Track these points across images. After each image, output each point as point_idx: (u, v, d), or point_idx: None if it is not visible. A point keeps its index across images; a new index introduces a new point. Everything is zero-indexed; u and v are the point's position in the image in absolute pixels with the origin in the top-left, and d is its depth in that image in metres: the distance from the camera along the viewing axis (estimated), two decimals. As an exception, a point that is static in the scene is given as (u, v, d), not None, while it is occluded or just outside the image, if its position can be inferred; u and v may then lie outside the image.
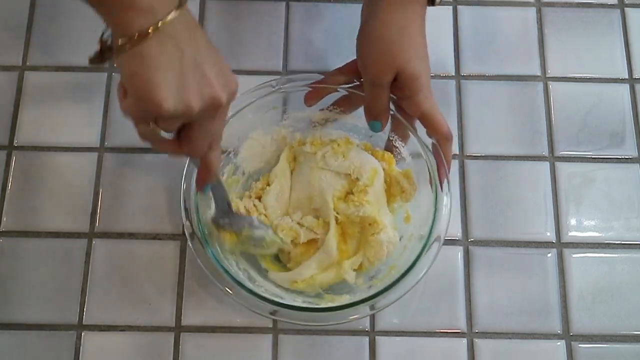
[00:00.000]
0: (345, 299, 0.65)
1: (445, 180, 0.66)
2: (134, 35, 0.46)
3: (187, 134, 0.52)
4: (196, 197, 0.65)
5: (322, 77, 0.69)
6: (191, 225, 0.64)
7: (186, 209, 0.65)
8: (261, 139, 0.72)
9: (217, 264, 0.62)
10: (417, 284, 0.63)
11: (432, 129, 0.65)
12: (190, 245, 0.64)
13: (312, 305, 0.65)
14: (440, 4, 0.63)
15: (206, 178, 0.59)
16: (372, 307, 0.63)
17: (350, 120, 0.72)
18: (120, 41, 0.46)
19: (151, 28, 0.46)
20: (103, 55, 0.48)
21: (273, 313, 0.63)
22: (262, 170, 0.73)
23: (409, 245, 0.67)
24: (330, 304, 0.64)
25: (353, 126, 0.72)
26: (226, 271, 0.62)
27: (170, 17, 0.46)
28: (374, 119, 0.65)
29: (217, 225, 0.65)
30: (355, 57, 0.65)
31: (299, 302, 0.65)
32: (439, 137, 0.65)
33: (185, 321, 0.70)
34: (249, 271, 0.68)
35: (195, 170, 0.63)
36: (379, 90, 0.63)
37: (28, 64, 0.80)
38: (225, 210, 0.65)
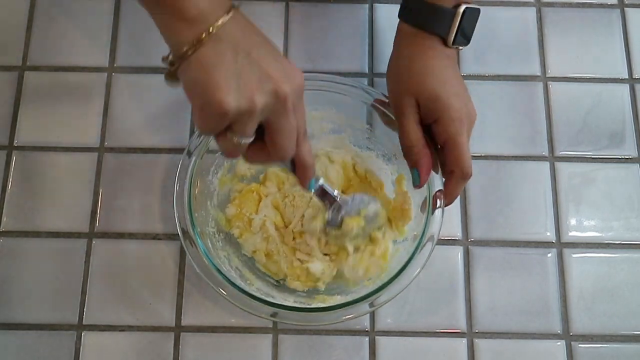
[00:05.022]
0: (336, 300, 0.65)
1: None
2: (189, 44, 0.47)
3: (269, 137, 0.52)
4: (190, 196, 0.65)
5: (323, 75, 0.69)
6: (180, 222, 0.65)
7: (179, 209, 0.65)
8: None
9: (208, 262, 0.63)
10: (410, 284, 0.63)
11: (453, 157, 0.60)
12: (183, 244, 0.64)
13: (304, 305, 0.65)
14: (454, 44, 0.63)
15: (305, 176, 0.57)
16: (371, 304, 0.63)
17: (346, 121, 0.72)
18: (177, 53, 0.48)
19: (204, 34, 0.47)
20: (172, 72, 0.50)
21: (274, 315, 0.63)
22: (258, 170, 0.73)
23: (402, 246, 0.67)
24: (321, 304, 0.64)
25: (350, 127, 0.73)
26: (217, 269, 0.62)
27: (221, 21, 0.48)
28: (408, 156, 0.62)
29: (337, 223, 0.64)
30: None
31: (290, 301, 0.65)
32: (456, 169, 0.61)
33: (185, 321, 0.70)
34: (241, 270, 0.68)
35: (193, 165, 0.64)
36: (403, 120, 0.62)
37: (28, 64, 0.80)
38: (336, 204, 0.64)
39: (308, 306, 0.65)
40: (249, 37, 0.49)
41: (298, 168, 0.56)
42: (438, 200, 0.64)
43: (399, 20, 0.65)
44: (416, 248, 0.63)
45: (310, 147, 0.56)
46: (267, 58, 0.49)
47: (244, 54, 0.48)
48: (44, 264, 0.72)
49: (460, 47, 0.64)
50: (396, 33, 0.66)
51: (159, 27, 0.49)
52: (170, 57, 0.49)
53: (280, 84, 0.49)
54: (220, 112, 0.48)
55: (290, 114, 0.50)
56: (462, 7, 0.62)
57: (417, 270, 0.63)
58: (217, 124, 0.49)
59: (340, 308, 0.62)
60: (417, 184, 0.62)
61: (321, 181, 0.63)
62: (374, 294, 0.62)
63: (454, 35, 0.62)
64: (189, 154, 0.66)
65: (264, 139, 0.52)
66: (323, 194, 0.63)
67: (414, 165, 0.62)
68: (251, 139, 0.51)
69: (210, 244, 0.66)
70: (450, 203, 0.64)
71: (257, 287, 0.66)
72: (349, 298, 0.63)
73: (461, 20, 0.62)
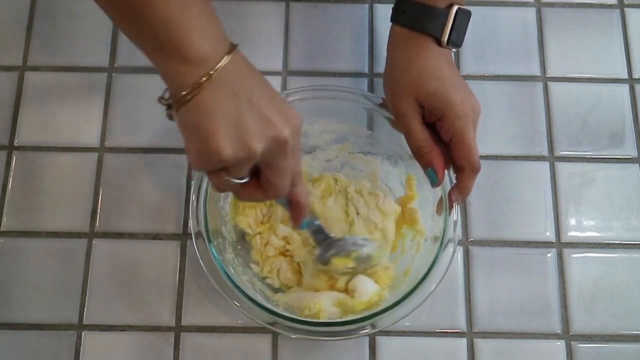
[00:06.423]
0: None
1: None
2: (189, 88, 0.46)
3: (264, 177, 0.52)
4: (205, 207, 0.65)
5: (322, 85, 0.69)
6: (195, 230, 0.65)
7: (197, 223, 0.65)
8: None
9: (239, 293, 0.62)
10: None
11: (461, 153, 0.60)
12: (203, 266, 0.64)
13: (332, 320, 0.64)
14: (448, 44, 0.63)
15: (299, 215, 0.58)
16: (372, 326, 0.63)
17: (349, 129, 0.72)
18: (176, 96, 0.47)
19: (204, 79, 0.46)
20: (170, 112, 0.49)
21: (272, 324, 0.62)
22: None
23: (424, 244, 0.67)
24: (351, 317, 0.63)
25: (353, 135, 0.73)
26: (243, 292, 0.62)
27: (221, 64, 0.47)
28: (419, 157, 0.62)
29: (325, 260, 0.66)
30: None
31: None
32: (465, 165, 0.60)
33: (185, 321, 0.70)
34: (265, 292, 0.68)
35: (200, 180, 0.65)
36: (406, 122, 0.61)
37: (28, 64, 0.80)
38: (328, 242, 0.66)
39: (337, 320, 0.64)
40: (249, 80, 0.49)
41: (293, 207, 0.57)
42: (453, 197, 0.64)
43: (391, 24, 0.65)
44: (439, 249, 0.63)
45: (305, 187, 0.56)
46: (267, 102, 0.48)
47: (245, 99, 0.47)
48: (44, 264, 0.72)
49: (453, 49, 0.64)
50: (389, 38, 0.65)
51: (158, 68, 0.48)
52: (167, 98, 0.48)
53: (281, 130, 0.48)
54: (217, 160, 0.47)
55: (289, 156, 0.50)
56: (455, 8, 0.62)
57: (434, 287, 0.63)
58: (213, 167, 0.49)
59: (369, 319, 0.62)
60: (435, 182, 0.61)
61: (315, 221, 0.65)
62: (404, 299, 0.61)
63: (448, 34, 0.62)
64: (197, 180, 0.66)
65: (259, 178, 0.52)
66: (315, 232, 0.65)
67: (427, 165, 0.61)
68: (245, 180, 0.51)
69: (232, 270, 0.65)
70: (465, 199, 0.64)
71: (284, 307, 0.66)
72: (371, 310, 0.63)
73: (454, 21, 0.62)
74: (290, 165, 0.51)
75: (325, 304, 0.64)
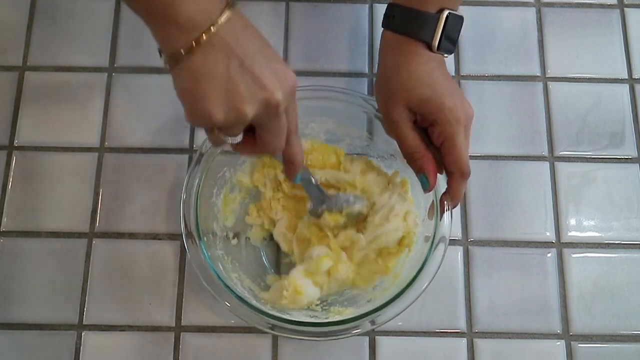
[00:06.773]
0: (350, 312, 0.65)
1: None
2: (179, 51, 0.47)
3: (258, 136, 0.53)
4: (196, 206, 0.65)
5: (321, 86, 0.69)
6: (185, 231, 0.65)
7: (186, 221, 0.65)
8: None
9: (225, 288, 0.62)
10: (413, 287, 0.63)
11: (451, 158, 0.60)
12: (195, 266, 0.64)
13: (319, 320, 0.64)
14: (439, 49, 0.62)
15: (292, 171, 0.60)
16: (372, 322, 0.63)
17: (345, 131, 0.72)
18: (168, 57, 0.48)
19: (194, 42, 0.47)
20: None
21: (272, 328, 0.62)
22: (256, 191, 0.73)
23: (413, 248, 0.67)
24: (337, 317, 0.63)
25: (348, 136, 0.73)
26: (230, 289, 0.62)
27: (213, 28, 0.47)
28: (411, 162, 0.62)
29: (317, 214, 0.67)
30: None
31: (307, 317, 0.65)
32: (455, 170, 0.60)
33: (185, 321, 0.71)
34: (253, 289, 0.68)
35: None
36: (397, 129, 0.61)
37: (28, 64, 0.80)
38: (319, 196, 0.66)
39: (321, 321, 0.64)
40: (243, 41, 0.49)
41: (286, 163, 0.59)
42: (445, 203, 0.64)
43: (382, 30, 0.65)
44: (430, 248, 0.64)
45: (300, 144, 0.58)
46: (260, 64, 0.49)
47: (237, 61, 0.48)
48: (44, 264, 0.72)
49: (446, 55, 0.64)
50: (380, 44, 0.65)
51: (151, 31, 0.49)
52: (163, 57, 0.49)
53: (273, 92, 0.49)
54: (208, 122, 0.49)
55: (281, 117, 0.51)
56: (445, 12, 0.62)
57: (425, 285, 0.63)
58: (206, 127, 0.51)
59: (350, 322, 0.62)
60: (427, 188, 0.61)
61: (310, 176, 0.65)
62: (389, 303, 0.62)
63: (438, 39, 0.62)
64: (190, 178, 0.66)
65: (254, 135, 0.53)
66: (309, 187, 0.66)
67: (419, 171, 0.61)
68: (239, 139, 0.52)
69: (221, 266, 0.65)
70: (456, 205, 0.64)
71: (271, 305, 0.66)
72: (362, 310, 0.63)
73: (445, 26, 0.62)
74: (284, 125, 0.52)
75: (297, 279, 0.65)
